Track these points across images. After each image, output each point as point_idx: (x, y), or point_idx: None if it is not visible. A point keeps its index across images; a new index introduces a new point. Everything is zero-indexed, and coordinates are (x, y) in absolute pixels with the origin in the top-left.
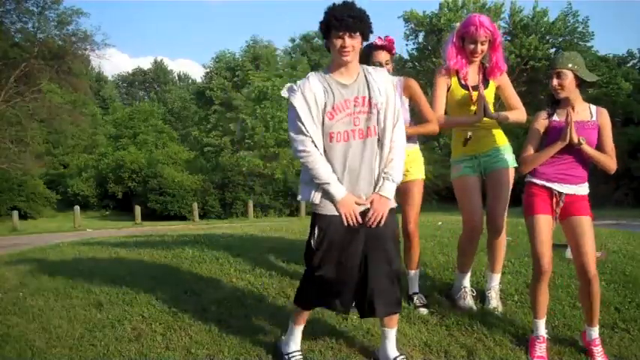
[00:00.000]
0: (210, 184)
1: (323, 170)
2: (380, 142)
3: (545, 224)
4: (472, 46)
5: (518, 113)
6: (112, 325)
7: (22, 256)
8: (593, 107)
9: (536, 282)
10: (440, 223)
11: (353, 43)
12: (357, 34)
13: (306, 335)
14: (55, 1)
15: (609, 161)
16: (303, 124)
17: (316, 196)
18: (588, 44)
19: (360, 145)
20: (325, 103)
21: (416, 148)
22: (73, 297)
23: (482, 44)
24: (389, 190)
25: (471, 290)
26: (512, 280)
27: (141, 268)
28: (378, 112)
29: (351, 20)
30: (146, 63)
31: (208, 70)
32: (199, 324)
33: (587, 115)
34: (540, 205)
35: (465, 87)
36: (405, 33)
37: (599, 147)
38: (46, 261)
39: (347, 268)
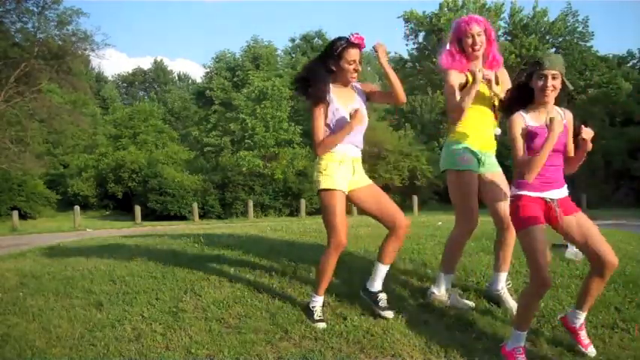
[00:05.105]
0: (210, 184)
1: None
2: None
3: (544, 235)
4: (471, 40)
5: None
6: (112, 325)
7: (22, 256)
8: (559, 109)
9: (535, 295)
10: (440, 223)
11: None
12: None
13: (307, 335)
14: (55, 1)
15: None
16: None
17: None
18: (588, 44)
19: None
20: None
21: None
22: (73, 297)
23: (479, 36)
24: None
25: (457, 289)
26: (512, 280)
27: (141, 268)
28: None
29: None
30: (145, 63)
31: (208, 70)
32: (199, 324)
33: (558, 116)
34: (536, 216)
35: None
36: (405, 33)
37: (568, 148)
38: (46, 261)
39: None
